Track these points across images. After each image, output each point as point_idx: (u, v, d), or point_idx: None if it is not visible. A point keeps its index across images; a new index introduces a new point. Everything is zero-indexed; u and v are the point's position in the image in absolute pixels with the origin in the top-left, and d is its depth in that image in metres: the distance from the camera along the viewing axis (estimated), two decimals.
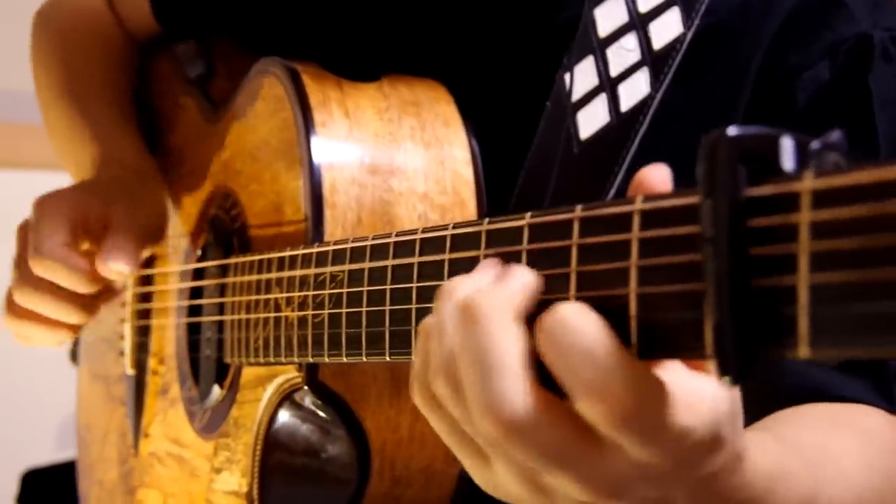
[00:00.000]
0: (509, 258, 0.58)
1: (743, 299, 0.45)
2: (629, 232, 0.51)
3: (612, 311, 0.51)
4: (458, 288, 0.56)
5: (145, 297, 1.21)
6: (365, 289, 0.73)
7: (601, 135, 0.89)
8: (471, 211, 0.91)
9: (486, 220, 0.62)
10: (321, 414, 0.88)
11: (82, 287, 1.01)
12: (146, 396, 1.19)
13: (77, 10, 1.32)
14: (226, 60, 1.19)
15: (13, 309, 1.07)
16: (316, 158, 0.88)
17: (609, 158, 0.88)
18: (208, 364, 1.03)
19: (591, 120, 0.90)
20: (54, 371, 1.63)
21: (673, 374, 0.53)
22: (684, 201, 0.49)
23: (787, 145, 0.46)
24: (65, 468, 1.43)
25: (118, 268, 1.00)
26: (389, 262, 0.71)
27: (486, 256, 0.61)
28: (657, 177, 0.54)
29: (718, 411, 0.53)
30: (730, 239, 0.45)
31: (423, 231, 0.68)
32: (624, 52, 0.90)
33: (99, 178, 1.12)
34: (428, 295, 0.66)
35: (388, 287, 0.71)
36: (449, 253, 0.64)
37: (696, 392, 0.52)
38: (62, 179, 1.22)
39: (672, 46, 0.88)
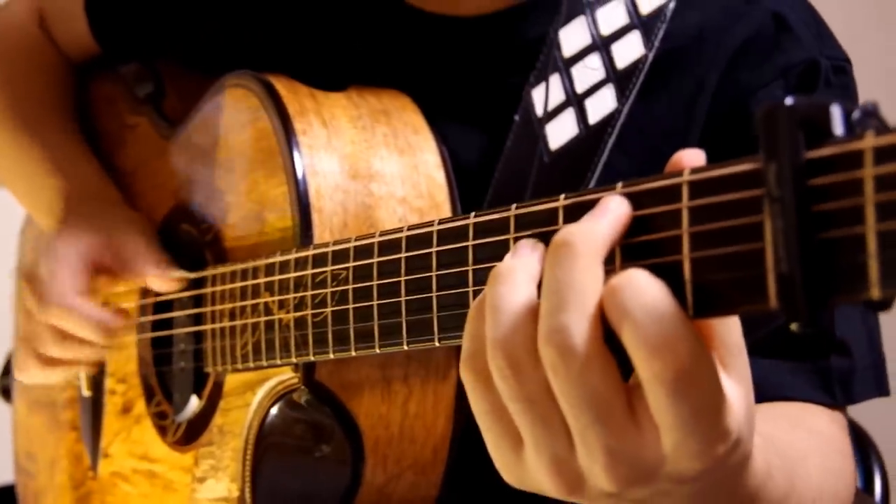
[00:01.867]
0: (546, 239, 0.61)
1: (809, 251, 0.49)
2: (679, 202, 0.55)
3: (663, 277, 0.55)
4: (515, 266, 0.59)
5: None
6: (375, 283, 0.76)
7: (571, 145, 0.94)
8: (446, 213, 0.94)
9: (514, 205, 0.65)
10: (316, 413, 0.90)
11: (103, 337, 1.04)
12: (104, 417, 1.19)
13: (8, 35, 1.31)
14: (173, 80, 1.20)
15: (40, 359, 1.09)
16: (300, 165, 0.90)
17: (581, 166, 0.93)
18: (183, 376, 1.04)
19: (560, 131, 0.94)
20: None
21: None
22: (732, 170, 0.53)
23: (836, 113, 0.50)
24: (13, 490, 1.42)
25: (177, 273, 1.02)
26: (403, 255, 0.73)
27: (516, 239, 0.64)
28: (693, 158, 0.58)
29: (741, 412, 0.57)
30: (795, 197, 0.49)
31: (440, 222, 0.71)
32: (589, 71, 0.95)
33: (81, 215, 1.12)
34: (449, 283, 0.70)
35: (402, 279, 0.73)
36: (473, 240, 0.68)
37: (730, 397, 0.56)
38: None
39: (635, 66, 0.94)
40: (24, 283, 1.11)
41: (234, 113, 1.00)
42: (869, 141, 0.47)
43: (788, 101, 0.50)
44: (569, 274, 0.55)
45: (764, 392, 0.88)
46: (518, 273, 0.58)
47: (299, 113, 0.94)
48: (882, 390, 0.92)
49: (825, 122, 0.50)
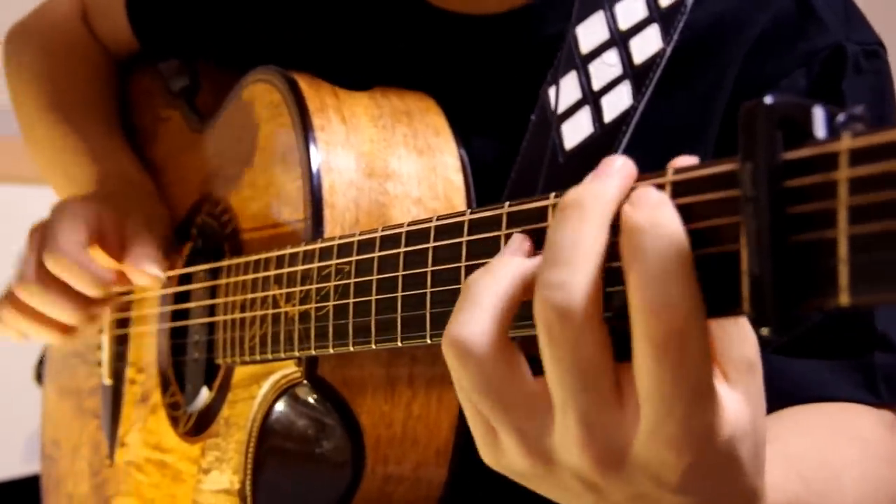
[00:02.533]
0: (538, 236, 0.61)
1: (781, 254, 0.48)
2: None
3: None
4: (500, 266, 0.58)
5: (123, 307, 1.22)
6: (375, 277, 0.76)
7: (585, 145, 0.92)
8: None
9: (507, 203, 0.65)
10: (318, 408, 0.89)
11: (93, 289, 1.03)
12: (123, 406, 1.20)
13: (56, 29, 1.33)
14: (209, 76, 1.21)
15: (15, 304, 1.08)
16: (315, 160, 0.90)
17: (594, 166, 0.92)
18: (196, 367, 1.04)
19: (576, 131, 0.93)
20: (21, 386, 1.62)
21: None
22: (712, 170, 0.52)
23: (818, 114, 0.49)
24: (32, 481, 1.43)
25: (153, 272, 1.02)
26: (402, 250, 0.73)
27: (507, 237, 0.63)
28: (685, 162, 0.57)
29: (739, 424, 0.55)
30: (770, 198, 0.48)
31: (438, 218, 0.70)
32: (606, 67, 0.94)
33: (106, 191, 1.13)
34: (442, 278, 0.69)
35: (399, 274, 0.73)
36: (467, 235, 0.67)
37: (725, 404, 0.55)
38: (37, 193, 1.23)
39: (653, 60, 0.92)
40: (28, 236, 1.10)
41: (257, 107, 1.00)
42: (845, 143, 0.46)
43: (768, 99, 0.49)
44: (575, 232, 0.54)
45: (805, 393, 0.86)
46: (499, 267, 0.58)
47: (319, 109, 0.94)
48: None
49: (806, 122, 0.49)
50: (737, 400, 0.56)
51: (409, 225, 0.73)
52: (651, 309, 0.51)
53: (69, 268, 1.02)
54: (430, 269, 0.70)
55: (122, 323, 1.21)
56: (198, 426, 1.03)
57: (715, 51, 0.94)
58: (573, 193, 0.56)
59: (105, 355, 1.23)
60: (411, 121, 0.97)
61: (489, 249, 0.64)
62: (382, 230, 0.76)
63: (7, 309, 1.09)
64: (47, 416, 1.43)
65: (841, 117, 0.50)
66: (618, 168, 0.57)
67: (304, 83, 0.96)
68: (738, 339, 0.56)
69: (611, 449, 0.55)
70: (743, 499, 0.58)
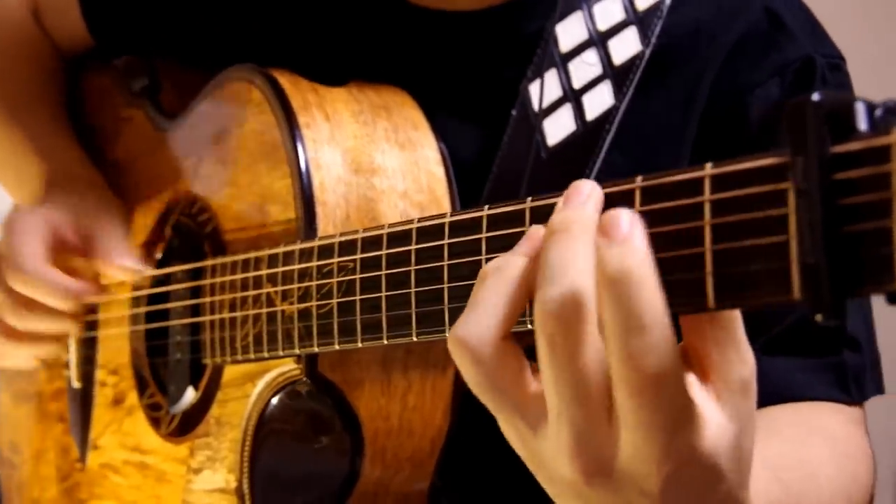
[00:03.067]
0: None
1: (834, 243, 0.50)
2: (701, 196, 0.56)
3: (684, 268, 0.56)
4: (508, 266, 0.60)
5: (89, 309, 1.21)
6: (384, 273, 0.77)
7: (568, 141, 0.95)
8: (446, 207, 0.95)
9: (529, 199, 0.66)
10: (317, 404, 0.90)
11: (63, 301, 1.02)
12: (94, 408, 1.19)
13: (2, 23, 1.31)
14: (169, 74, 1.20)
15: (8, 334, 1.08)
16: (304, 158, 0.91)
17: (579, 163, 0.94)
18: (179, 367, 1.04)
19: (558, 128, 0.95)
20: None
21: (697, 394, 0.57)
22: (756, 164, 0.54)
23: (860, 109, 0.51)
24: None
25: (129, 265, 1.01)
26: (413, 247, 0.74)
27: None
28: None
29: (721, 439, 0.57)
30: (821, 190, 0.50)
31: (452, 214, 0.72)
32: (586, 66, 0.96)
33: (57, 193, 1.12)
34: (460, 274, 0.70)
35: (412, 269, 0.74)
36: (486, 232, 0.68)
37: (708, 418, 0.57)
38: None
39: (632, 62, 0.95)
40: None
41: (235, 106, 1.00)
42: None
43: (815, 96, 0.51)
44: (566, 252, 0.57)
45: (779, 392, 0.89)
46: (507, 268, 0.60)
47: (302, 107, 0.94)
48: (880, 389, 0.93)
49: (850, 117, 0.51)
50: (723, 420, 0.58)
51: (419, 221, 0.74)
52: (624, 357, 0.54)
53: (35, 285, 1.03)
54: (446, 262, 0.71)
55: (90, 326, 1.20)
56: (183, 426, 1.03)
57: (692, 56, 0.97)
58: (558, 218, 0.58)
59: (73, 358, 1.22)
60: (390, 115, 0.98)
61: (511, 244, 0.66)
62: (389, 227, 0.77)
63: (5, 342, 1.09)
64: (3, 421, 1.41)
65: (879, 111, 0.52)
66: (588, 192, 0.60)
67: (285, 80, 0.96)
68: (737, 361, 0.58)
69: (598, 461, 0.57)
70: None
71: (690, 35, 0.97)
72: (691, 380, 0.58)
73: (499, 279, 0.60)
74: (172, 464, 1.04)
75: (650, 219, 0.58)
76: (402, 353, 0.91)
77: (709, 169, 0.56)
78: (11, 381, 1.38)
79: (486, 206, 0.69)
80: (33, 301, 1.04)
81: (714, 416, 0.57)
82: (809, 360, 0.90)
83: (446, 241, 0.72)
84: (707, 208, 0.56)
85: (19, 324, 1.07)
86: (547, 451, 0.59)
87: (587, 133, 0.94)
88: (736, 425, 0.58)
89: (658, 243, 0.58)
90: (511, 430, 0.61)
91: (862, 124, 0.51)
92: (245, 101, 0.99)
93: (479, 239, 0.69)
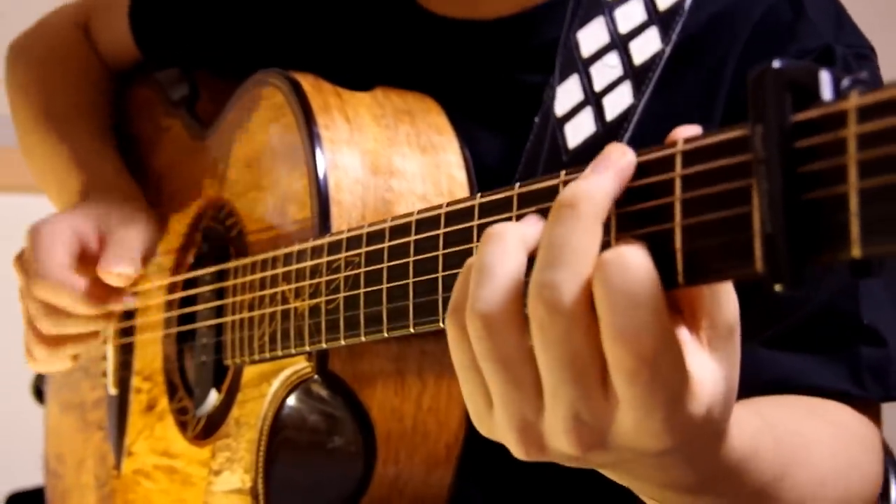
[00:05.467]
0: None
1: (793, 212, 0.49)
2: (672, 172, 0.55)
3: (655, 246, 0.55)
4: (507, 228, 0.59)
5: (127, 316, 1.22)
6: (385, 265, 0.77)
7: (589, 143, 0.94)
8: None
9: (517, 184, 0.66)
10: (329, 403, 0.90)
11: (82, 306, 1.04)
12: (129, 415, 1.20)
13: (54, 39, 1.35)
14: (208, 84, 1.22)
15: (41, 339, 1.10)
16: (321, 158, 0.92)
17: None
18: (204, 370, 1.05)
19: (578, 131, 0.95)
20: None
21: (690, 354, 0.57)
22: (722, 137, 0.54)
23: (825, 78, 0.51)
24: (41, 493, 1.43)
25: (120, 269, 1.03)
26: (412, 238, 0.74)
27: (517, 217, 0.65)
28: (690, 133, 0.58)
29: (716, 393, 0.57)
30: (781, 159, 0.49)
31: (448, 205, 0.72)
32: (607, 69, 0.96)
33: (87, 203, 1.14)
34: (454, 262, 0.70)
35: (411, 259, 0.74)
36: (478, 219, 0.68)
37: (702, 378, 0.57)
38: (36, 202, 1.24)
39: (652, 61, 0.94)
40: (14, 266, 1.12)
41: (260, 109, 1.02)
42: (853, 101, 0.47)
43: (776, 63, 0.50)
44: (569, 233, 0.55)
45: (790, 383, 0.87)
46: (510, 236, 0.59)
47: (323, 109, 0.95)
48: None
49: (814, 85, 0.50)
50: (715, 368, 0.58)
51: (419, 213, 0.74)
52: (618, 339, 0.53)
53: (57, 293, 1.04)
54: (441, 252, 0.71)
55: (127, 332, 1.22)
56: (207, 429, 1.04)
57: (712, 49, 0.96)
58: (568, 192, 0.57)
59: (110, 365, 1.23)
60: (413, 120, 0.99)
61: None
62: (392, 220, 0.77)
63: (38, 347, 1.11)
64: (50, 432, 1.43)
65: (846, 81, 0.51)
66: (615, 160, 0.58)
67: (307, 83, 0.97)
68: (724, 304, 0.58)
69: (595, 433, 0.57)
70: (712, 441, 0.61)
71: (710, 29, 0.96)
72: (683, 335, 0.57)
73: (505, 251, 0.58)
74: (196, 467, 1.05)
75: (626, 197, 0.58)
76: (416, 353, 0.91)
77: (680, 145, 0.56)
78: (59, 391, 1.40)
79: (479, 195, 0.69)
80: (58, 307, 1.06)
81: (708, 372, 0.57)
82: (823, 354, 0.88)
83: (442, 230, 0.72)
84: (677, 184, 0.55)
85: (52, 329, 1.09)
86: (545, 430, 0.58)
87: (606, 133, 0.93)
88: (725, 368, 0.58)
89: (631, 221, 0.57)
90: (508, 413, 0.59)
91: (827, 94, 0.50)
92: (269, 104, 1.00)
93: (472, 227, 0.69)
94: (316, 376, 0.89)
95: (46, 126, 1.27)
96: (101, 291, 1.06)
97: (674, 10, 0.95)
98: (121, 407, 1.22)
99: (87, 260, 1.08)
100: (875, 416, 0.88)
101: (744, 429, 0.64)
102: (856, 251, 0.47)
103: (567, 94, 0.96)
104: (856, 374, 0.88)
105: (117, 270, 1.03)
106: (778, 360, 0.89)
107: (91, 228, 1.09)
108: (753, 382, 0.85)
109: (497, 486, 0.98)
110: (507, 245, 0.58)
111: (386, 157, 0.95)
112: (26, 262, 1.08)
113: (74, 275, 1.04)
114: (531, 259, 0.59)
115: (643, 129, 0.93)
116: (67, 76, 1.30)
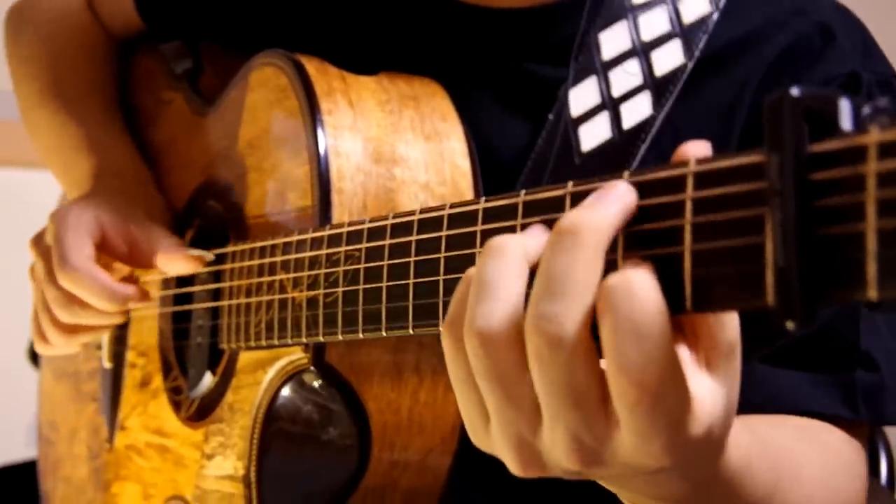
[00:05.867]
0: (552, 225, 0.60)
1: (808, 247, 0.47)
2: (683, 193, 0.54)
3: (663, 269, 0.54)
4: (510, 242, 0.58)
5: None
6: (385, 263, 0.75)
7: (604, 148, 0.93)
8: None
9: (523, 191, 0.64)
10: (324, 394, 0.89)
11: (109, 304, 1.02)
12: (123, 390, 1.19)
13: (56, 9, 1.32)
14: (213, 59, 1.20)
15: (58, 326, 1.08)
16: (323, 145, 0.90)
17: (611, 170, 0.92)
18: (199, 351, 1.04)
19: (593, 134, 0.93)
20: (23, 372, 1.62)
21: (692, 376, 0.56)
22: (736, 162, 0.52)
23: (844, 106, 0.49)
24: (34, 466, 1.43)
25: (197, 252, 1.01)
26: (413, 238, 0.73)
27: (523, 226, 0.63)
28: (698, 150, 0.56)
29: (716, 413, 0.56)
30: (796, 190, 0.48)
31: (452, 206, 0.70)
32: (626, 76, 0.94)
33: (105, 191, 1.11)
34: (456, 266, 0.69)
35: (412, 259, 0.72)
36: (482, 224, 0.67)
37: (702, 399, 0.56)
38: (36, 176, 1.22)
39: (674, 74, 0.93)
40: (31, 248, 1.10)
41: (263, 91, 1.00)
42: (874, 136, 0.46)
43: (794, 91, 0.49)
44: (570, 264, 0.54)
45: (781, 403, 0.87)
46: (512, 252, 0.57)
47: (326, 93, 0.93)
48: None
49: (833, 114, 0.49)
50: (716, 388, 0.57)
51: (421, 212, 0.73)
52: (622, 370, 0.52)
53: (82, 285, 1.02)
54: (442, 255, 0.70)
55: None
56: (200, 411, 1.03)
57: (735, 68, 0.95)
58: (569, 220, 0.55)
59: (105, 338, 1.22)
60: (418, 105, 0.97)
61: None
62: (393, 217, 0.76)
63: (55, 333, 1.10)
64: (44, 398, 1.43)
65: (867, 109, 0.49)
66: (620, 195, 0.56)
67: (312, 66, 0.95)
68: (727, 322, 0.57)
69: (596, 454, 0.56)
70: (709, 457, 0.60)
71: (735, 48, 0.95)
72: (685, 355, 0.56)
73: (508, 266, 0.57)
74: (189, 448, 1.04)
75: (635, 216, 0.56)
76: (414, 347, 0.90)
77: (692, 166, 0.54)
78: (53, 358, 1.39)
79: (483, 199, 0.67)
80: (79, 297, 1.04)
81: (708, 392, 0.56)
82: (819, 374, 0.87)
83: (444, 232, 0.70)
84: (688, 207, 0.54)
85: (69, 318, 1.08)
86: (544, 449, 0.57)
87: (622, 142, 0.92)
88: (726, 387, 0.57)
89: (640, 241, 0.56)
90: (504, 430, 0.59)
91: (846, 123, 0.49)
92: (272, 86, 0.98)
93: (475, 232, 0.67)
94: (312, 367, 0.88)
95: (55, 105, 1.25)
96: (122, 290, 1.04)
97: (698, 26, 0.93)
98: (115, 381, 1.21)
99: (109, 255, 1.06)
100: (862, 438, 0.88)
101: (739, 443, 0.64)
102: (872, 293, 0.45)
103: (584, 94, 0.95)
104: (850, 397, 0.87)
105: (194, 253, 1.01)
106: (774, 376, 0.89)
107: (119, 225, 1.05)
108: (748, 398, 0.85)
109: (497, 487, 0.97)
110: (509, 261, 0.57)
111: (389, 145, 0.93)
112: (46, 248, 1.06)
113: (100, 269, 1.03)
114: (533, 270, 0.57)
115: (662, 141, 0.92)
116: (74, 52, 1.27)
